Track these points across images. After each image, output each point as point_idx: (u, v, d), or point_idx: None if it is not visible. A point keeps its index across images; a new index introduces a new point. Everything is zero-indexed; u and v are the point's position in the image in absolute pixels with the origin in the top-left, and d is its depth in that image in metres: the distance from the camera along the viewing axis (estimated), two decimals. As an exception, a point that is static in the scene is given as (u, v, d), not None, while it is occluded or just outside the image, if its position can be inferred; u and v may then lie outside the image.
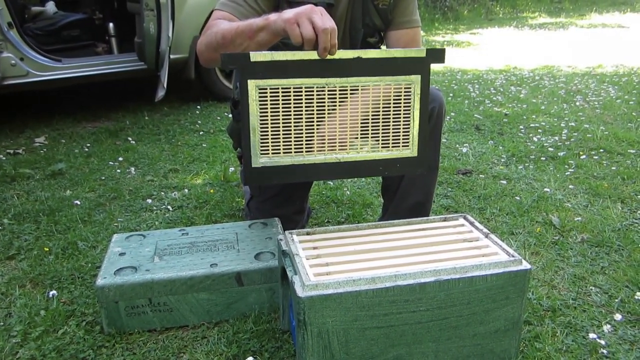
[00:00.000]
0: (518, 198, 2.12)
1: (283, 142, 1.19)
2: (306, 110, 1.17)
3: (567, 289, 1.52)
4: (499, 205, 2.06)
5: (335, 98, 1.18)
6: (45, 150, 2.80)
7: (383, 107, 1.22)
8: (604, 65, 5.13)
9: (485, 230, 1.27)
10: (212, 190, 2.23)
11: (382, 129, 1.24)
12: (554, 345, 1.29)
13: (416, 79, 1.21)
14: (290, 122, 1.18)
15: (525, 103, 3.70)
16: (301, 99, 1.16)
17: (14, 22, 2.93)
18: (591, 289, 1.52)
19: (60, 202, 2.12)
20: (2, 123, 3.25)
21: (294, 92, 1.16)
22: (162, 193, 2.23)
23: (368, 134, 1.23)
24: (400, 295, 1.06)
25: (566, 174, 2.39)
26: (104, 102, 3.77)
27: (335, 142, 1.21)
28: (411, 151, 1.27)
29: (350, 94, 1.19)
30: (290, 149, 1.20)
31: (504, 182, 2.30)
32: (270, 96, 1.15)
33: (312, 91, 1.17)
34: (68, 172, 2.47)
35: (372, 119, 1.22)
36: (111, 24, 3.62)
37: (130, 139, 2.97)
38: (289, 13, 1.11)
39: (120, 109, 3.58)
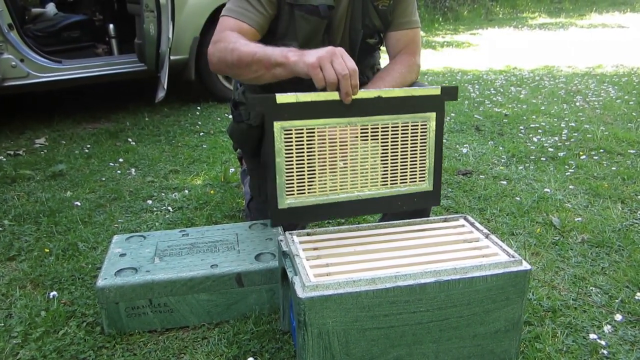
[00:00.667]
0: (518, 198, 2.13)
1: (308, 182, 1.21)
2: (330, 150, 1.20)
3: (567, 290, 1.52)
4: (499, 205, 2.06)
5: (357, 136, 1.21)
6: (45, 151, 2.80)
7: (401, 144, 1.25)
8: (603, 65, 5.13)
9: (485, 230, 1.27)
10: (212, 191, 2.23)
11: (401, 165, 1.27)
12: (555, 345, 1.29)
13: (431, 115, 1.25)
14: (314, 162, 1.20)
15: (525, 103, 3.70)
16: (325, 139, 1.18)
17: (14, 24, 2.93)
18: (591, 290, 1.52)
19: (60, 203, 2.12)
20: (2, 124, 3.25)
21: (318, 132, 1.18)
22: (163, 194, 2.23)
23: (387, 170, 1.26)
24: (401, 296, 1.07)
25: (566, 174, 2.39)
26: (104, 103, 3.77)
27: (357, 180, 1.25)
28: (427, 185, 1.30)
29: (371, 132, 1.22)
30: (315, 188, 1.22)
31: (504, 182, 2.30)
32: (295, 137, 1.17)
33: (335, 131, 1.19)
34: (68, 173, 2.47)
35: (392, 155, 1.25)
36: (111, 25, 3.62)
37: (130, 140, 2.97)
38: (311, 57, 1.13)
39: (121, 110, 3.58)
